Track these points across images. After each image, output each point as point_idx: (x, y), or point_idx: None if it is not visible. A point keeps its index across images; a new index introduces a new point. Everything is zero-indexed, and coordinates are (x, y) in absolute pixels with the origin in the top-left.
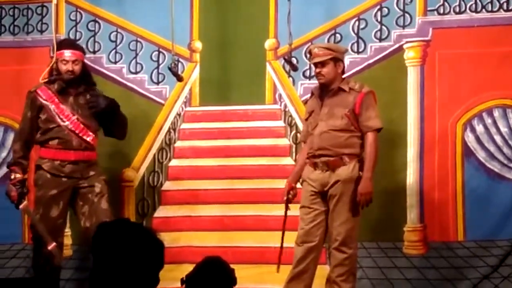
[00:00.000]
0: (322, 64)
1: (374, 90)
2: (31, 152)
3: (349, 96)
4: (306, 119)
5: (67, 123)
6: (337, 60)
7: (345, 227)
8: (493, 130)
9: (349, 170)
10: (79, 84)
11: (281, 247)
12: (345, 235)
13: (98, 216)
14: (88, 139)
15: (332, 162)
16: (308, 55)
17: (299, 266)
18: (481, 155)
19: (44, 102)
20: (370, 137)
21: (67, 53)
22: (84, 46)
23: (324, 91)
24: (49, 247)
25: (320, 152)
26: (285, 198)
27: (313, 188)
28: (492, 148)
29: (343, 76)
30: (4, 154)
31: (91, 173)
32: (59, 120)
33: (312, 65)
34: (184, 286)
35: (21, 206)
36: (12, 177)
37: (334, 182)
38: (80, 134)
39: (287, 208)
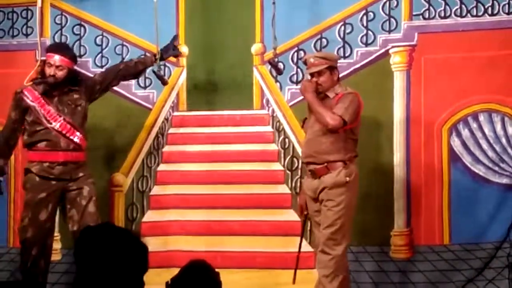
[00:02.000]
0: (318, 73)
1: (358, 93)
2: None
3: (332, 100)
4: (302, 127)
5: (54, 124)
6: (333, 68)
7: (329, 230)
8: (478, 134)
9: (334, 176)
10: (63, 86)
11: (299, 253)
12: (328, 237)
13: (85, 220)
14: (75, 139)
15: (318, 170)
16: (301, 63)
17: None
18: (467, 159)
19: (30, 103)
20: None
21: (52, 57)
22: None
23: None
24: None
25: (307, 159)
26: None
27: (310, 196)
28: (477, 152)
29: None
30: None
31: (80, 174)
32: (45, 122)
33: (299, 70)
34: None
35: None
36: None
37: (322, 189)
38: (68, 135)
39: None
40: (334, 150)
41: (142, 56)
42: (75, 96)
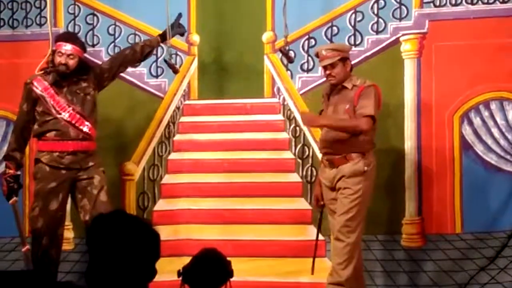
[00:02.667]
0: (331, 65)
1: (377, 85)
2: (31, 145)
3: (351, 92)
4: None
5: (63, 114)
6: (345, 59)
7: (344, 217)
8: (490, 123)
9: (352, 165)
10: (72, 75)
11: (316, 242)
12: (343, 224)
13: (97, 209)
14: (85, 129)
15: (336, 160)
16: (312, 52)
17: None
18: (478, 148)
19: (40, 93)
20: (362, 120)
21: (63, 46)
22: (83, 39)
23: (330, 91)
24: (23, 249)
25: (325, 150)
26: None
27: (327, 185)
28: (489, 141)
29: None
30: (6, 147)
31: (90, 163)
32: (54, 112)
33: (310, 59)
34: (181, 278)
35: (10, 202)
36: (6, 171)
37: (339, 177)
38: (77, 124)
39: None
40: (353, 142)
41: (148, 39)
42: (84, 85)
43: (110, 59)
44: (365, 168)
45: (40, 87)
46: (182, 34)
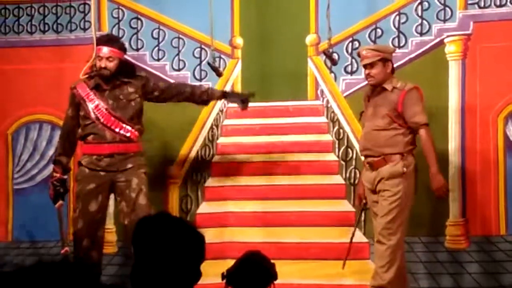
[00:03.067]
0: (371, 65)
1: (418, 86)
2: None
3: (392, 95)
4: (359, 120)
5: (99, 117)
6: (386, 60)
7: (385, 219)
8: None
9: (391, 167)
10: (115, 79)
11: (351, 242)
12: (384, 226)
13: (136, 212)
14: (121, 131)
15: (375, 162)
16: (355, 54)
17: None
18: None
19: (81, 97)
20: (423, 133)
21: (102, 50)
22: (127, 43)
23: (371, 92)
24: (62, 251)
25: (365, 152)
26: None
27: (368, 187)
28: None
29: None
30: (51, 152)
31: (129, 165)
32: (93, 115)
33: (354, 61)
34: (225, 281)
35: (56, 205)
36: (53, 175)
37: (379, 180)
38: (112, 127)
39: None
40: (392, 144)
41: (212, 88)
42: (129, 89)
43: (169, 85)
44: (404, 169)
45: (82, 91)
46: (243, 109)
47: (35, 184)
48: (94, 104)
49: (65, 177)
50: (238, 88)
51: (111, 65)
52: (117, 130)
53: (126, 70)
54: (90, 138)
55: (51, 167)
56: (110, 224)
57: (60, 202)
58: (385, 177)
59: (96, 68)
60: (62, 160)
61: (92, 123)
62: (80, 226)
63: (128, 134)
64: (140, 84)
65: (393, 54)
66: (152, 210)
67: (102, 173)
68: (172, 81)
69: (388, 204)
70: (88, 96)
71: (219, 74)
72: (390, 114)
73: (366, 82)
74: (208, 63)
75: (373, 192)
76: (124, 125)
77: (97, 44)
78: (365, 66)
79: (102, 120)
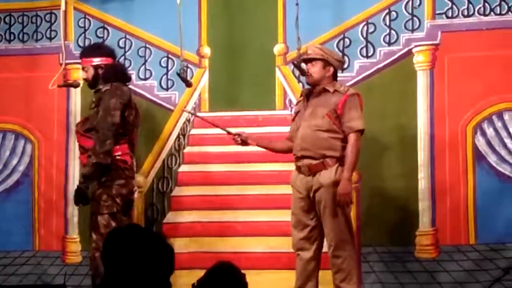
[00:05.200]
0: (311, 62)
1: (360, 93)
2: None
3: (333, 97)
4: (293, 119)
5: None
6: (328, 63)
7: (335, 231)
8: (503, 133)
9: (331, 174)
10: (97, 87)
11: None
12: (336, 239)
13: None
14: (79, 142)
15: (314, 166)
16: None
17: (300, 279)
18: (492, 158)
19: None
20: (351, 138)
21: (81, 63)
22: None
23: (311, 93)
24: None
25: (302, 153)
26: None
27: (300, 194)
28: (503, 152)
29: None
30: (14, 161)
31: None
32: None
33: None
34: None
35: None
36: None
37: (317, 188)
38: (77, 139)
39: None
40: (331, 146)
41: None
42: (93, 99)
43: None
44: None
45: None
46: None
47: None
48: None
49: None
50: (206, 97)
51: (87, 74)
52: (78, 142)
53: (107, 76)
54: None
55: (14, 177)
56: (74, 234)
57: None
58: (325, 185)
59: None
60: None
61: None
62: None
63: (83, 145)
64: (99, 96)
65: (359, 64)
66: (102, 227)
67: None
68: (138, 90)
69: (336, 215)
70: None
71: (188, 85)
72: (330, 115)
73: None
74: (177, 74)
75: (304, 199)
76: (81, 137)
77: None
78: (305, 63)
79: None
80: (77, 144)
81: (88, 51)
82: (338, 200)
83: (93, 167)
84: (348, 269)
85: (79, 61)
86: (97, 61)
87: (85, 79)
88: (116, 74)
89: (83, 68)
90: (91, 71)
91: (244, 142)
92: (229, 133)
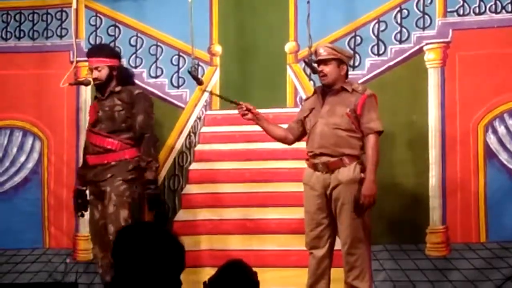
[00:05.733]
0: (325, 63)
1: (376, 94)
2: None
3: (351, 96)
4: (306, 116)
5: (87, 128)
6: (341, 62)
7: (351, 229)
8: None
9: (350, 171)
10: (108, 88)
11: None
12: (352, 237)
13: (106, 222)
14: (96, 143)
15: (332, 163)
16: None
17: (313, 277)
18: (503, 156)
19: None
20: (371, 139)
21: (91, 61)
22: None
23: (327, 91)
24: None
25: (321, 150)
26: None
27: (315, 192)
28: None
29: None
30: (22, 158)
31: (108, 175)
32: (87, 127)
33: None
34: None
35: (78, 215)
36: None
37: (335, 185)
38: (90, 140)
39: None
40: (350, 145)
41: (151, 164)
42: (115, 101)
43: (138, 131)
44: (362, 175)
45: (91, 106)
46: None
47: (3, 191)
48: (90, 115)
49: (84, 188)
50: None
51: (100, 74)
52: (93, 142)
53: (119, 77)
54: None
55: (22, 174)
56: (85, 232)
57: (82, 212)
58: (344, 182)
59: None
60: (79, 172)
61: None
62: (91, 234)
63: (109, 147)
64: (128, 98)
65: (370, 62)
66: (123, 220)
67: (92, 183)
68: (149, 88)
69: (352, 212)
70: (91, 110)
71: (199, 83)
72: (349, 114)
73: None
74: (189, 72)
75: (320, 196)
76: (103, 138)
77: (86, 57)
78: (319, 64)
79: (87, 131)
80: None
81: (102, 51)
82: (362, 201)
83: (155, 171)
84: (362, 267)
85: (91, 59)
86: (112, 62)
87: (97, 79)
88: (129, 77)
89: (96, 68)
90: (106, 71)
91: (247, 114)
92: (238, 104)
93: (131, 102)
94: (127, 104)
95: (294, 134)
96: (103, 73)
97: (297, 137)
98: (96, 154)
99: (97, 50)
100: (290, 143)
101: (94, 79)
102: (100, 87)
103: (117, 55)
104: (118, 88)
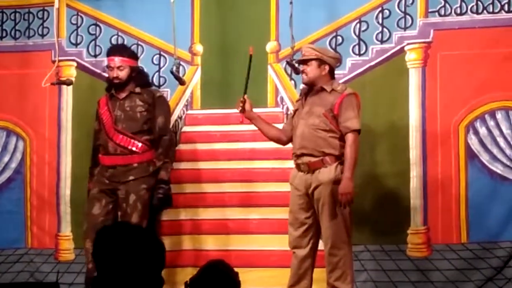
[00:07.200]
0: (305, 63)
1: (357, 93)
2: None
3: (330, 96)
4: (293, 117)
5: (105, 129)
6: (322, 62)
7: (333, 230)
8: (496, 132)
9: (331, 172)
10: (127, 89)
11: None
12: (334, 237)
13: None
14: (123, 144)
15: (313, 163)
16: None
17: (294, 277)
18: (484, 157)
19: (99, 110)
20: (349, 138)
21: (112, 60)
22: (85, 50)
23: (309, 92)
24: None
25: (302, 151)
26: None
27: (299, 192)
28: (495, 150)
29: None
30: (6, 158)
31: (130, 177)
32: (103, 127)
33: None
34: None
35: None
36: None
37: (316, 185)
38: (113, 139)
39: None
40: (331, 145)
41: (165, 164)
42: (137, 101)
43: (158, 133)
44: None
45: (102, 104)
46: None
47: None
48: (105, 115)
49: None
50: (198, 95)
51: (122, 74)
52: (117, 142)
53: (139, 78)
54: (100, 148)
55: (5, 174)
56: (67, 231)
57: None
58: (325, 183)
59: (106, 80)
60: (92, 171)
61: (102, 133)
62: (84, 228)
63: (134, 148)
64: (150, 100)
65: (351, 62)
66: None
67: (106, 180)
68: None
69: (334, 213)
70: (103, 106)
71: (182, 83)
72: (326, 114)
73: None
74: (171, 72)
75: (302, 196)
76: (128, 138)
77: (107, 55)
78: (300, 63)
79: (107, 131)
80: (70, 140)
81: (125, 51)
82: (340, 199)
83: (170, 172)
84: (344, 268)
85: (87, 59)
86: (133, 63)
87: (117, 77)
88: (147, 79)
89: (118, 67)
90: (127, 71)
91: (243, 110)
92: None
93: (153, 103)
94: (149, 106)
95: (287, 135)
96: (125, 72)
97: (289, 138)
98: (120, 155)
99: (122, 50)
100: (284, 144)
101: (114, 78)
102: (118, 87)
103: (137, 57)
104: (138, 90)
